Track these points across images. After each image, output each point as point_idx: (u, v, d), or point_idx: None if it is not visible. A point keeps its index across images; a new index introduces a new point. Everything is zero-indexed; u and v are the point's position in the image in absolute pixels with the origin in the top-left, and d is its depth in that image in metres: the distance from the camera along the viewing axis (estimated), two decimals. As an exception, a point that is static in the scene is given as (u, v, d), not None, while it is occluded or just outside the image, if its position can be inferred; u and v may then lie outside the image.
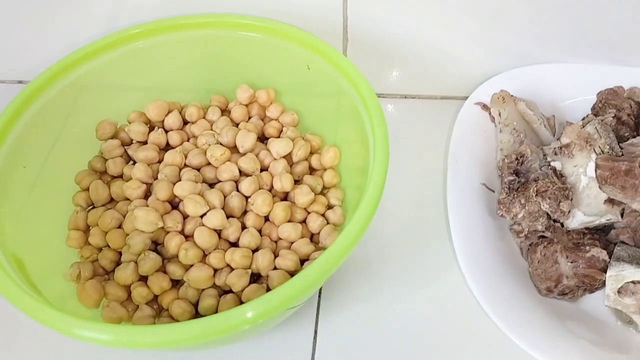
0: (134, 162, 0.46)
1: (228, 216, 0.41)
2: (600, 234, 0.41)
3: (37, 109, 0.42)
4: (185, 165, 0.44)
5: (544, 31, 0.49)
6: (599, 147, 0.40)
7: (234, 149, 0.45)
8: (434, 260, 0.43)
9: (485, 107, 0.47)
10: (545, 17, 0.48)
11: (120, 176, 0.45)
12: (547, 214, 0.40)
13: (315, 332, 0.40)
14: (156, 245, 0.41)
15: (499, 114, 0.45)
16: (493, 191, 0.44)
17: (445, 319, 0.40)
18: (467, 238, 0.41)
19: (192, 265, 0.39)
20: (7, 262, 0.33)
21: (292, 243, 0.41)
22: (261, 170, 0.44)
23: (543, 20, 0.48)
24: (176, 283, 0.40)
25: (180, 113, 0.48)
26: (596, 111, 0.46)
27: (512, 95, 0.46)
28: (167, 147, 0.46)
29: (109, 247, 0.41)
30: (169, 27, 0.46)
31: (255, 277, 0.40)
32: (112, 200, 0.44)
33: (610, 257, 0.38)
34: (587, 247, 0.39)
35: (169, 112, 0.47)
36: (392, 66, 0.53)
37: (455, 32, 0.50)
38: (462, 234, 0.41)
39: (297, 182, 0.44)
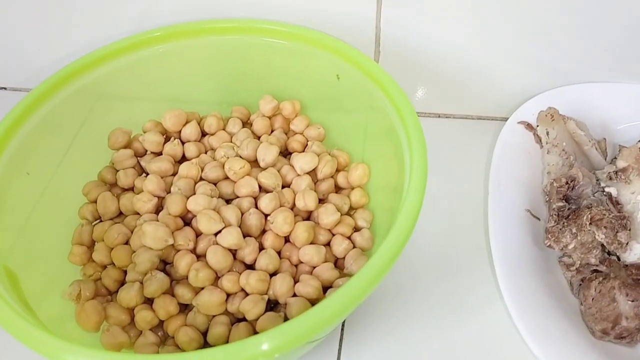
0: (147, 174, 0.43)
1: (245, 235, 0.37)
2: (663, 270, 0.36)
3: (45, 114, 0.39)
4: (201, 179, 0.40)
5: (591, 48, 0.45)
6: (661, 172, 0.36)
7: (254, 163, 0.41)
8: (474, 294, 0.38)
9: (529, 126, 0.43)
10: (593, 33, 0.44)
11: (132, 189, 0.42)
12: (602, 246, 0.36)
13: (338, 369, 0.36)
14: (165, 265, 0.37)
15: (547, 134, 0.41)
16: (538, 219, 0.40)
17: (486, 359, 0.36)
18: (512, 270, 0.36)
19: (202, 288, 0.35)
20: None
21: (314, 268, 0.37)
22: (283, 187, 0.40)
23: (590, 36, 0.44)
24: (185, 308, 0.36)
25: (198, 124, 0.44)
26: (655, 133, 0.42)
27: (561, 114, 0.42)
28: (183, 159, 0.43)
29: (113, 265, 0.37)
30: (188, 31, 0.43)
31: (272, 305, 0.36)
32: (121, 214, 0.40)
33: (676, 297, 0.34)
34: (650, 284, 0.34)
35: (187, 122, 0.44)
36: (425, 82, 0.50)
37: (495, 48, 0.46)
38: (507, 266, 0.36)
39: (321, 200, 0.40)
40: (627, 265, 0.36)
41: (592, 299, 0.35)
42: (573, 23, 0.43)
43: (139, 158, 0.43)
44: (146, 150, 0.43)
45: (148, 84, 0.44)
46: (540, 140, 0.42)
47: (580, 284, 0.36)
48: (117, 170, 0.42)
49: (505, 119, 0.46)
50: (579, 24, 0.43)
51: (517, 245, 0.38)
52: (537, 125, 0.42)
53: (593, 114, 0.45)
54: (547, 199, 0.39)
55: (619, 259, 0.36)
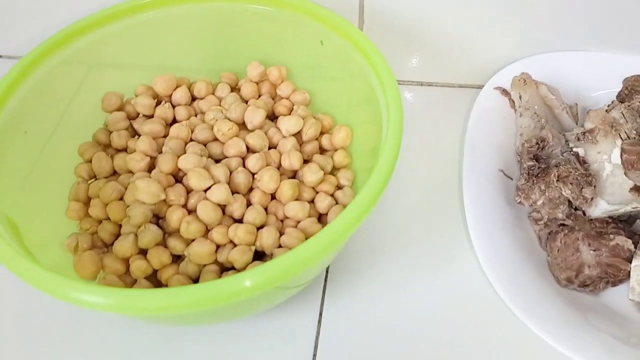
0: (140, 136, 0.45)
1: (233, 192, 0.39)
2: (624, 224, 0.39)
3: (38, 79, 0.40)
4: (191, 140, 0.43)
5: (566, 17, 0.47)
6: (625, 133, 0.39)
7: (242, 125, 0.44)
8: (448, 247, 0.41)
9: (505, 92, 0.45)
10: (570, 2, 0.46)
11: (125, 149, 0.44)
12: (569, 201, 0.39)
13: (320, 314, 0.39)
14: (157, 220, 0.40)
15: (520, 97, 0.44)
16: (511, 178, 0.42)
17: (459, 307, 0.39)
18: (484, 225, 0.39)
19: (193, 240, 0.38)
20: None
21: (299, 222, 0.40)
22: (269, 148, 0.43)
23: (565, 6, 0.46)
24: (177, 259, 0.39)
25: (188, 89, 0.46)
26: (622, 98, 0.44)
27: (533, 79, 0.44)
28: (174, 122, 0.45)
29: (109, 219, 0.40)
30: (178, -1, 0.45)
31: (259, 256, 0.38)
32: (115, 173, 0.43)
33: (635, 247, 0.37)
34: (611, 236, 0.37)
35: (177, 87, 0.46)
36: (409, 52, 0.52)
37: (475, 18, 0.48)
38: (478, 221, 0.39)
39: (306, 161, 0.43)
40: (591, 220, 0.39)
41: (558, 250, 0.38)
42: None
43: (131, 121, 0.45)
44: (138, 113, 0.45)
45: (139, 51, 0.46)
46: (514, 105, 0.45)
47: (548, 237, 0.39)
48: (111, 132, 0.44)
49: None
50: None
51: (489, 203, 0.41)
52: (511, 90, 0.45)
53: (568, 82, 0.48)
54: (519, 159, 0.42)
55: (584, 213, 0.39)
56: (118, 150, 0.44)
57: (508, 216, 0.41)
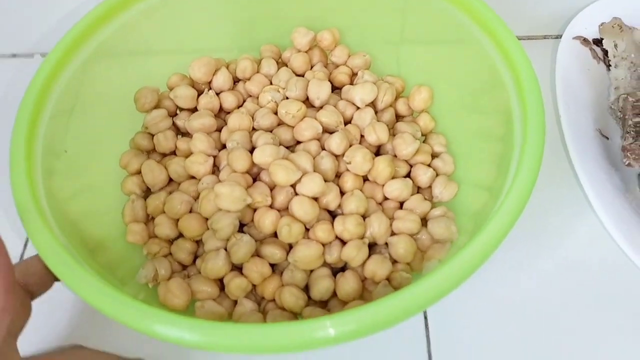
0: (182, 135, 0.41)
1: (322, 181, 0.36)
2: None
3: (63, 84, 0.36)
4: (254, 129, 0.39)
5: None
6: None
7: (306, 102, 0.40)
8: (566, 213, 0.40)
9: (585, 41, 0.43)
10: None
11: (173, 153, 0.40)
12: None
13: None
14: (241, 227, 0.36)
15: (615, 46, 0.41)
16: (607, 138, 0.41)
17: (588, 273, 0.38)
18: (600, 189, 0.38)
19: (290, 245, 0.35)
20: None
21: (401, 203, 0.37)
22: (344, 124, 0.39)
23: None
24: (272, 267, 0.35)
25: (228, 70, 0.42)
26: None
27: (626, 24, 0.42)
28: (220, 112, 0.41)
29: (181, 236, 0.36)
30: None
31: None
32: (170, 181, 0.39)
33: None
34: None
35: (216, 70, 0.42)
36: None
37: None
38: (594, 185, 0.37)
39: (386, 132, 0.40)
40: None
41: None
42: None
43: (172, 118, 0.41)
44: (178, 108, 0.41)
45: (158, 37, 0.42)
46: (604, 55, 0.42)
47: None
48: (153, 135, 0.40)
49: (557, 37, 0.47)
50: None
51: (597, 166, 0.39)
52: (602, 39, 0.43)
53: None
54: (620, 116, 0.40)
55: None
56: (164, 155, 0.40)
57: (614, 179, 0.39)
